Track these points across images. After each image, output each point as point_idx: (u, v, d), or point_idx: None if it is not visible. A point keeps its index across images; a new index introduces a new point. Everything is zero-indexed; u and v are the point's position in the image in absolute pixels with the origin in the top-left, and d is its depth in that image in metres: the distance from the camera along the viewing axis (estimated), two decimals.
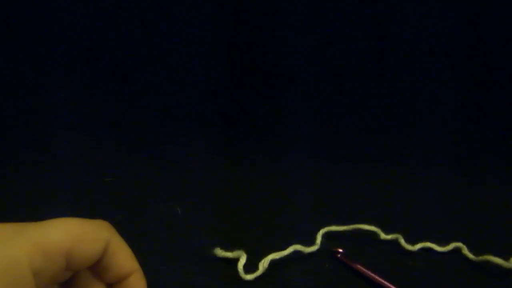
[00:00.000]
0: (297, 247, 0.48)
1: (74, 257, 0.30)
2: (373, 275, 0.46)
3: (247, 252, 0.46)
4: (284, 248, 0.47)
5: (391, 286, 0.45)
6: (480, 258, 0.48)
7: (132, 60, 0.67)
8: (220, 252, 0.47)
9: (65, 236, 0.30)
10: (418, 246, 0.49)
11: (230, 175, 0.60)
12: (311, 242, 0.49)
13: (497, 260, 0.47)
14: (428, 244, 0.49)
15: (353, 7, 0.65)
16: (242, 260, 0.46)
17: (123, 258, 0.33)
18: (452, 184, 0.60)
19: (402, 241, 0.49)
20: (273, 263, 0.46)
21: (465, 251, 0.49)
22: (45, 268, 0.29)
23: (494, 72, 0.67)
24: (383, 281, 0.45)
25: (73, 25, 0.66)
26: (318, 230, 0.50)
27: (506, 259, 0.47)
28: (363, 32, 0.66)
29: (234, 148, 0.65)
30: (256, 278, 0.45)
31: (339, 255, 0.48)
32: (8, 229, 0.29)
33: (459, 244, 0.49)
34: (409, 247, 0.49)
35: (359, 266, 0.47)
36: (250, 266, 0.46)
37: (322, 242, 0.49)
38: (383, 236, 0.50)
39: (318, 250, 0.49)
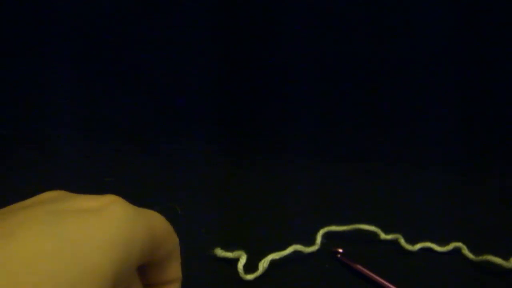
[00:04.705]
0: (297, 247, 0.48)
1: (157, 250, 0.31)
2: (373, 275, 0.46)
3: (247, 252, 0.46)
4: (284, 248, 0.47)
5: (391, 286, 0.45)
6: (480, 258, 0.48)
7: (132, 60, 0.67)
8: (220, 252, 0.47)
9: (164, 227, 0.31)
10: (418, 246, 0.49)
11: (230, 175, 0.60)
12: (311, 242, 0.49)
13: (497, 260, 0.47)
14: (428, 244, 0.50)
15: (353, 7, 0.65)
16: (242, 260, 0.46)
17: (177, 266, 0.34)
18: (452, 184, 0.60)
19: (402, 241, 0.49)
20: (273, 263, 0.46)
21: (465, 251, 0.49)
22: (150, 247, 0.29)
23: (494, 72, 0.67)
24: (383, 281, 0.45)
25: (73, 25, 0.66)
26: (318, 230, 0.50)
27: (506, 259, 0.47)
28: (363, 32, 0.66)
29: (234, 148, 0.65)
30: (256, 278, 0.45)
31: (339, 255, 0.48)
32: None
33: (459, 244, 0.49)
34: (409, 247, 0.49)
35: (359, 266, 0.47)
36: (250, 266, 0.46)
37: (322, 242, 0.49)
38: (383, 236, 0.50)
39: (318, 250, 0.49)
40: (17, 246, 0.23)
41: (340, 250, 0.48)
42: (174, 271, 0.33)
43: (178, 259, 0.34)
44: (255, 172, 0.61)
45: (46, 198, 0.28)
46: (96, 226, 0.25)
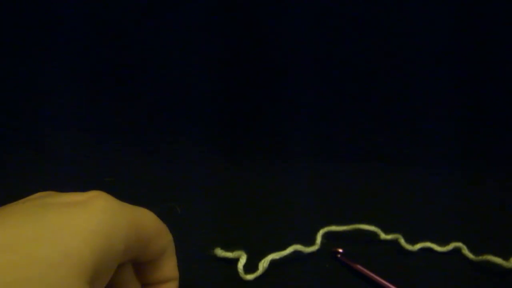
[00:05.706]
0: (297, 247, 0.48)
1: (149, 247, 0.31)
2: (373, 275, 0.46)
3: (247, 252, 0.46)
4: (284, 248, 0.47)
5: (391, 286, 0.45)
6: (480, 258, 0.48)
7: (132, 60, 0.67)
8: (220, 252, 0.47)
9: (154, 224, 0.32)
10: (418, 246, 0.49)
11: (230, 175, 0.60)
12: (311, 242, 0.49)
13: (497, 260, 0.47)
14: (428, 244, 0.50)
15: (354, 7, 0.65)
16: (242, 260, 0.46)
17: (173, 264, 0.34)
18: (452, 184, 0.60)
19: (402, 241, 0.49)
20: (273, 263, 0.46)
21: (465, 251, 0.49)
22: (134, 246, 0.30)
23: (494, 73, 0.67)
24: (383, 281, 0.45)
25: (72, 25, 0.66)
26: (318, 230, 0.50)
27: (506, 259, 0.47)
28: (363, 32, 0.66)
29: (234, 148, 0.65)
30: (256, 278, 0.45)
31: (339, 255, 0.48)
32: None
33: (459, 244, 0.49)
34: (409, 247, 0.49)
35: (359, 266, 0.47)
36: (250, 266, 0.46)
37: (322, 242, 0.49)
38: (383, 236, 0.50)
39: (318, 250, 0.49)
40: (1, 231, 0.25)
41: (340, 250, 0.48)
42: (169, 269, 0.34)
43: (173, 257, 0.34)
44: (255, 172, 0.61)
45: (36, 196, 0.30)
46: (78, 216, 0.27)
